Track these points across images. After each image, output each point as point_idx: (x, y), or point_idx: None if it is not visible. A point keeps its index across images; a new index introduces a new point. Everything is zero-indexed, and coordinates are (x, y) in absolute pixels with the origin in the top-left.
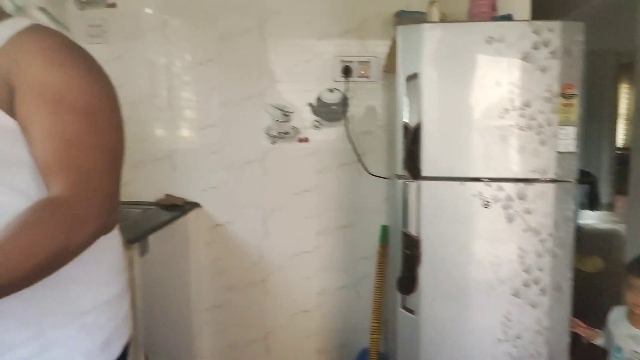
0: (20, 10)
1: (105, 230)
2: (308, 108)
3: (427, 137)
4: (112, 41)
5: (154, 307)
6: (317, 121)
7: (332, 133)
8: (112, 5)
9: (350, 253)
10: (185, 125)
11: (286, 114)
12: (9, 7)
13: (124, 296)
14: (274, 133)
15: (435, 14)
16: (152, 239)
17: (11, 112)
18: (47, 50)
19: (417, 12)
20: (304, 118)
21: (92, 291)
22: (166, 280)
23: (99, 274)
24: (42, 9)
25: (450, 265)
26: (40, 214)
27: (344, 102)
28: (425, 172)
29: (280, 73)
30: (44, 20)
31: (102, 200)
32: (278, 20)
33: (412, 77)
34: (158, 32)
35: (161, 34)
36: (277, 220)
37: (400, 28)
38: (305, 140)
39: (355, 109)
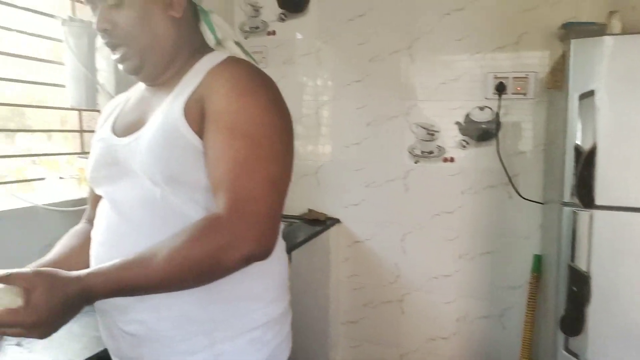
0: (220, 43)
1: (259, 253)
2: (455, 127)
3: (603, 161)
4: (271, 65)
5: (294, 317)
6: (464, 140)
7: (480, 153)
8: (272, 33)
9: (494, 281)
10: (331, 143)
11: (431, 133)
12: (211, 41)
13: (287, 314)
14: (418, 152)
15: (616, 25)
16: (295, 252)
17: (201, 135)
18: (231, 80)
19: (590, 23)
20: (450, 137)
21: (261, 308)
22: (306, 293)
23: (268, 291)
24: (237, 43)
25: (627, 306)
26: (202, 229)
27: (496, 120)
28: (599, 200)
29: (427, 91)
30: (237, 52)
31: (258, 224)
32: (429, 39)
33: (587, 95)
34: (311, 56)
35: (314, 57)
36: (416, 240)
37: (575, 41)
38: (451, 159)
39: (507, 128)
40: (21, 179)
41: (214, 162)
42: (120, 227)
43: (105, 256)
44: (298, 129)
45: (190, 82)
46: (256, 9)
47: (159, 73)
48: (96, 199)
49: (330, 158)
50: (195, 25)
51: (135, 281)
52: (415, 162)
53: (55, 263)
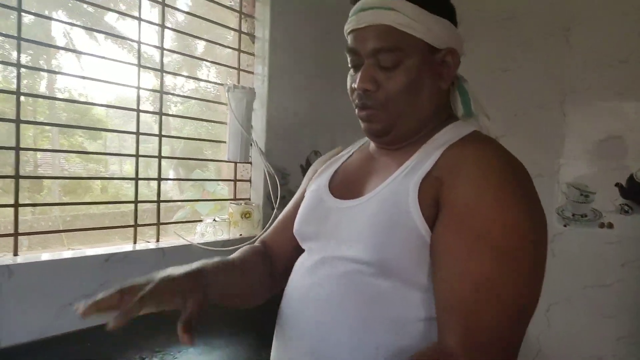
0: (469, 115)
1: None
2: (615, 189)
3: None
4: None
5: None
6: (626, 205)
7: None
8: None
9: None
10: None
11: (585, 194)
12: (460, 111)
13: None
14: (568, 214)
15: None
16: None
17: (430, 223)
18: (482, 168)
19: None
20: (608, 200)
21: None
22: None
23: None
24: (487, 116)
25: None
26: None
27: None
28: None
29: (582, 149)
30: (487, 125)
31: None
32: (585, 92)
33: None
34: None
35: None
36: (562, 313)
37: None
38: (609, 225)
39: None
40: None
41: (448, 272)
42: (313, 290)
43: (297, 314)
44: None
45: (427, 156)
46: None
47: (401, 140)
48: (285, 234)
49: None
50: (448, 93)
51: None
52: (565, 226)
53: (228, 266)
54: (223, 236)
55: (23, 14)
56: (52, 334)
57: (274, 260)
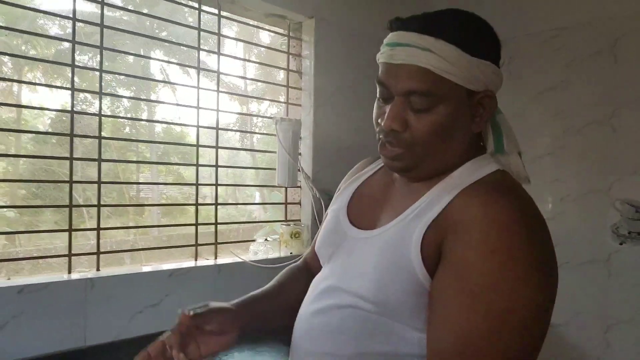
0: (500, 153)
1: None
2: None
3: None
4: None
5: None
6: None
7: None
8: None
9: None
10: None
11: None
12: (491, 146)
13: None
14: (624, 232)
15: None
16: None
17: (431, 271)
18: (488, 222)
19: None
20: None
21: None
22: None
23: None
24: (520, 153)
25: None
26: None
27: None
28: None
29: (634, 164)
30: (517, 163)
31: None
32: (632, 108)
33: None
34: None
35: None
36: (624, 335)
37: None
38: None
39: None
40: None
41: (439, 321)
42: (316, 317)
43: (300, 340)
44: None
45: (438, 198)
46: None
47: (423, 178)
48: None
49: None
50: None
51: None
52: (621, 244)
53: (267, 294)
54: (274, 254)
55: (129, 55)
56: (126, 337)
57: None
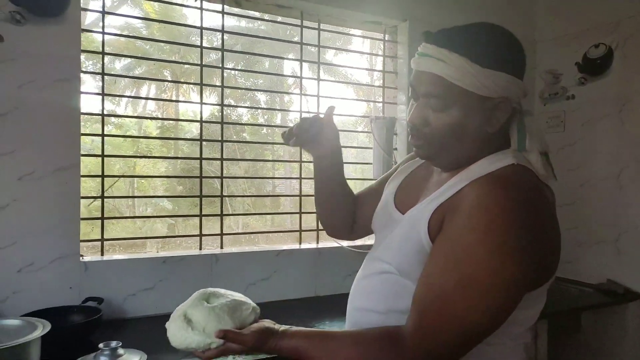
0: (520, 151)
1: None
2: None
3: None
4: (568, 130)
5: None
6: None
7: None
8: (571, 97)
9: None
10: (636, 206)
11: None
12: (514, 144)
13: None
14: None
15: None
16: (585, 320)
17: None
18: (476, 206)
19: None
20: None
21: None
22: None
23: None
24: (543, 154)
25: None
26: (381, 337)
27: None
28: None
29: None
30: (534, 160)
31: None
32: None
33: None
34: (611, 118)
35: (615, 119)
36: None
37: None
38: None
39: None
40: None
41: (423, 277)
42: (362, 280)
43: (351, 298)
44: (591, 193)
45: (453, 187)
46: (556, 77)
47: (446, 167)
48: (369, 198)
49: (636, 224)
50: (506, 126)
51: (310, 353)
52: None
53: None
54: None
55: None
56: None
57: (357, 214)
